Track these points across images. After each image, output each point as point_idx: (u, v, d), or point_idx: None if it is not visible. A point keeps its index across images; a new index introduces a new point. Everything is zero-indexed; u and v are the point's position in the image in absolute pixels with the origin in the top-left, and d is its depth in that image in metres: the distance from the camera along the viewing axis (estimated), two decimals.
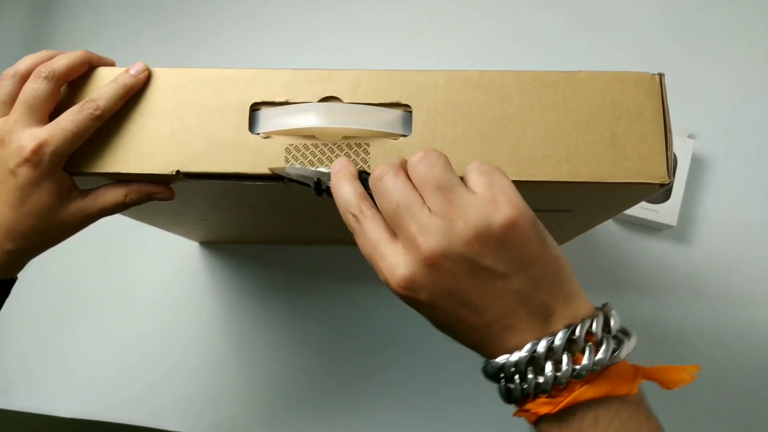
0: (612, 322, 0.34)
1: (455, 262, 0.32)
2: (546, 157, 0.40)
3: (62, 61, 0.42)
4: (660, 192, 0.41)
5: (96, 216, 0.44)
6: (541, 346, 0.32)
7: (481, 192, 0.33)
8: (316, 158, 0.41)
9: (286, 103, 0.42)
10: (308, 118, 0.41)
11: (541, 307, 0.33)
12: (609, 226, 0.79)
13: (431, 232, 0.32)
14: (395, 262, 0.33)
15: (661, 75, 0.42)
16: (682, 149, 0.77)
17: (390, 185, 0.33)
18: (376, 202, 0.34)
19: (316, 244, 0.80)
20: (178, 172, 0.42)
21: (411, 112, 0.42)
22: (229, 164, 0.42)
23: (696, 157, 0.79)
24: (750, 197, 0.79)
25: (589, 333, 0.33)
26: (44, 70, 0.41)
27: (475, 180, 0.33)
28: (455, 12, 0.91)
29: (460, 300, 0.33)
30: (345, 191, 0.36)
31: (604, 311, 0.35)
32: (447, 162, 0.34)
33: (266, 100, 0.42)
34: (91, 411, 0.77)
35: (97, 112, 0.41)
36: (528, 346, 0.33)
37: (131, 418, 0.76)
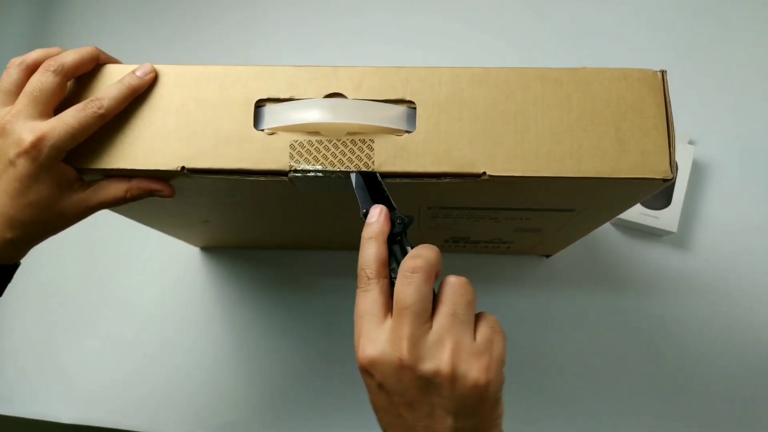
0: None
1: (420, 380, 0.35)
2: (550, 153, 0.41)
3: (71, 56, 0.42)
4: (662, 187, 0.41)
5: (96, 208, 0.44)
6: None
7: (479, 343, 0.36)
8: (321, 154, 0.41)
9: (290, 99, 0.42)
10: (313, 114, 0.41)
11: None
12: (610, 232, 0.79)
13: (422, 346, 0.35)
14: (374, 340, 0.36)
15: (663, 72, 0.42)
16: (682, 155, 0.77)
17: (416, 285, 0.36)
18: (396, 284, 0.37)
19: (318, 249, 0.80)
20: (183, 168, 0.42)
21: (415, 108, 0.42)
22: (233, 160, 0.42)
23: (696, 163, 0.79)
24: (750, 203, 0.79)
25: None
26: (53, 63, 0.42)
27: (483, 331, 0.37)
28: (457, 14, 0.91)
29: (405, 403, 0.36)
30: (371, 251, 0.38)
31: None
32: (475, 300, 0.38)
33: (271, 96, 0.43)
34: (91, 416, 0.76)
35: (101, 111, 0.41)
36: None
37: (131, 424, 0.76)
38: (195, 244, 0.81)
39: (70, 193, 0.43)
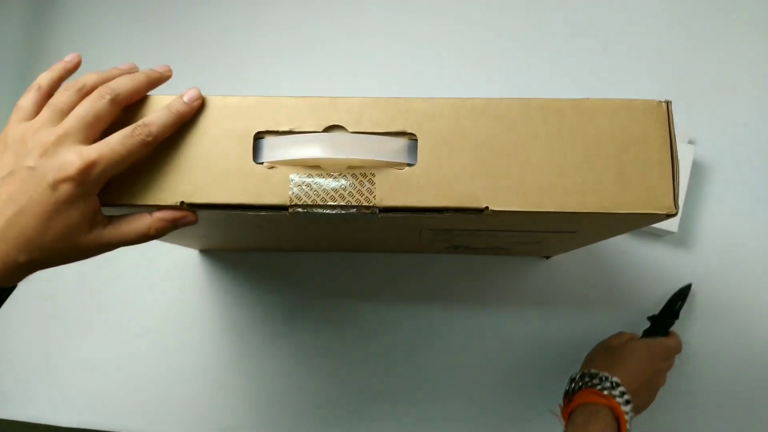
0: None
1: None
2: (552, 187, 0.40)
3: (128, 85, 0.42)
4: (666, 219, 0.41)
5: (115, 246, 0.43)
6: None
7: None
8: (321, 189, 0.41)
9: (290, 132, 0.42)
10: (313, 149, 0.41)
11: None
12: None
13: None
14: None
15: (668, 102, 0.41)
16: (683, 155, 0.77)
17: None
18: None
19: (318, 251, 0.80)
20: (182, 203, 0.41)
21: (416, 140, 0.42)
22: (233, 194, 0.41)
23: (697, 163, 0.79)
24: (751, 203, 0.79)
25: None
26: (111, 92, 0.41)
27: None
28: (456, 27, 0.90)
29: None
30: None
31: None
32: None
33: (270, 128, 0.42)
34: (90, 420, 0.77)
35: (149, 139, 0.40)
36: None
37: (132, 427, 0.76)
38: (193, 248, 0.81)
39: (92, 227, 0.41)
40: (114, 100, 0.41)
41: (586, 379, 0.64)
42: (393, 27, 0.90)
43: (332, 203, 0.41)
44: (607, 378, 0.62)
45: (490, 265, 0.79)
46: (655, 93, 0.42)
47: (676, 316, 0.74)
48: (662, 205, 0.40)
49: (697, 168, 0.79)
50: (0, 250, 0.40)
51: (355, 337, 0.78)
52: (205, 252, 0.83)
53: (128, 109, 0.43)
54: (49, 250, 0.41)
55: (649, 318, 0.75)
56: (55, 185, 0.39)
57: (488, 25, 0.89)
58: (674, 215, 0.40)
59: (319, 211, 0.41)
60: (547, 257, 0.79)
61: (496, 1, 0.90)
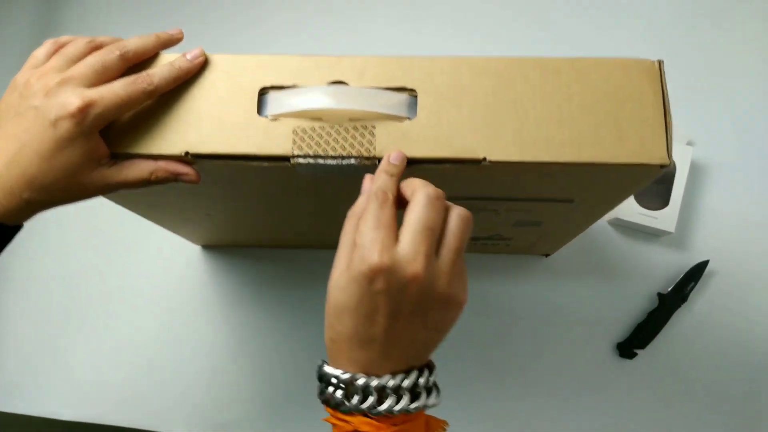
0: (421, 381, 0.41)
1: (422, 294, 0.37)
2: (549, 140, 0.41)
3: (138, 43, 0.44)
4: (660, 174, 0.42)
5: (117, 187, 0.44)
6: (360, 381, 0.39)
7: (464, 269, 0.39)
8: (323, 140, 0.42)
9: (294, 87, 0.43)
10: (315, 100, 0.42)
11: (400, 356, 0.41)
12: (608, 232, 0.80)
13: (433, 267, 0.37)
14: (391, 251, 0.37)
15: (660, 62, 0.43)
16: (681, 156, 0.78)
17: (439, 211, 0.38)
18: (419, 206, 0.38)
19: (318, 247, 0.81)
20: (187, 153, 0.42)
21: (416, 96, 0.43)
22: (237, 146, 0.42)
23: (695, 164, 0.80)
24: (748, 204, 0.80)
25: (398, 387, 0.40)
26: (121, 48, 0.43)
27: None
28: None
29: (393, 312, 0.38)
30: (386, 179, 0.40)
31: (422, 372, 0.42)
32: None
33: (275, 84, 0.43)
34: (93, 414, 0.77)
35: (150, 88, 0.42)
36: (351, 375, 0.39)
37: (133, 421, 0.76)
38: (196, 242, 0.82)
39: (97, 166, 0.43)
40: (123, 56, 0.43)
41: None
42: None
43: (333, 154, 0.42)
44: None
45: (490, 264, 0.79)
46: None
47: (684, 298, 0.75)
48: (656, 156, 0.41)
49: (694, 169, 0.80)
50: (5, 187, 0.41)
51: None
52: (207, 248, 0.83)
53: (135, 67, 0.44)
54: (53, 189, 0.42)
55: (659, 295, 0.76)
56: (55, 123, 0.40)
57: None
58: (667, 166, 0.40)
59: (321, 162, 0.42)
60: (547, 255, 0.79)
61: None
